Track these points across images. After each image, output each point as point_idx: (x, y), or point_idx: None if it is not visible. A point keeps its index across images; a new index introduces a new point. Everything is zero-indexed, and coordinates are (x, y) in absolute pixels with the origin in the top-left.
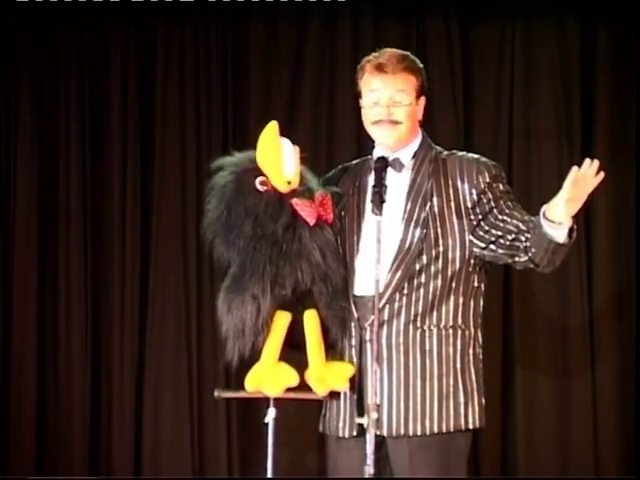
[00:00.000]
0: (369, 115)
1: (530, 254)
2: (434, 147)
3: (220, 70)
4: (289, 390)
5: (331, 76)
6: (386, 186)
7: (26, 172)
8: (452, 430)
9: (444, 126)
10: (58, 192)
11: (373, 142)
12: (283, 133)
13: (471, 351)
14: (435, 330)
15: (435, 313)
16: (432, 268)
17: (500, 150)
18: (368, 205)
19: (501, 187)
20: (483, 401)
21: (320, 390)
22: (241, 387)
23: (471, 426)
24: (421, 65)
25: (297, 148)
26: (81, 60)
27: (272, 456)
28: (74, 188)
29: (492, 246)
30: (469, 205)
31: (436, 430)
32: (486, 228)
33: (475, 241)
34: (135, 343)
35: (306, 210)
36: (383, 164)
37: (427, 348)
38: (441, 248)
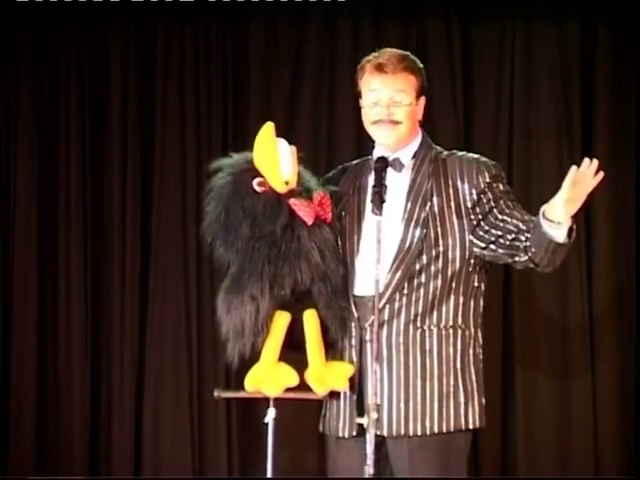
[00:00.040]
0: (369, 115)
1: (530, 254)
2: (434, 147)
3: (220, 70)
4: (289, 390)
5: (331, 76)
6: (386, 186)
7: (26, 172)
8: (452, 430)
9: (444, 126)
10: (58, 192)
11: (373, 142)
12: (283, 133)
13: (471, 351)
14: (435, 330)
15: (435, 313)
16: (432, 268)
17: (500, 150)
18: (368, 205)
19: (501, 187)
20: (483, 401)
21: (320, 390)
22: (241, 387)
23: (471, 426)
24: (421, 65)
25: (294, 148)
26: (81, 60)
27: (272, 456)
28: (74, 188)
29: (492, 246)
30: (469, 205)
31: (436, 430)
32: (486, 228)
33: (475, 241)
34: (135, 343)
35: (304, 210)
36: (383, 164)
37: (427, 348)
38: (441, 248)
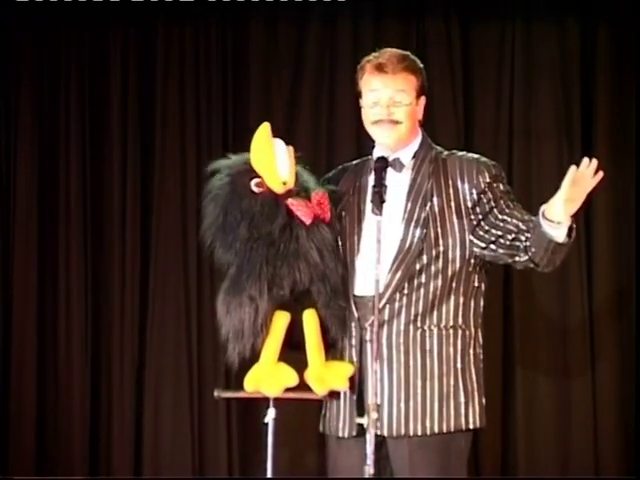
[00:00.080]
0: (369, 115)
1: (530, 254)
2: (434, 147)
3: (220, 70)
4: (289, 390)
5: (331, 76)
6: (386, 186)
7: (26, 172)
8: (452, 430)
9: (444, 126)
10: (58, 192)
11: (373, 142)
12: (283, 133)
13: (471, 351)
14: (435, 330)
15: (435, 313)
16: (432, 268)
17: (500, 150)
18: (368, 205)
19: (501, 187)
20: (483, 401)
21: (320, 390)
22: (241, 387)
23: (471, 426)
24: (421, 65)
25: (291, 148)
26: (81, 60)
27: (272, 456)
28: (74, 188)
29: (492, 246)
30: (469, 205)
31: (436, 430)
32: (486, 228)
33: (475, 241)
34: (135, 343)
35: (302, 210)
36: (383, 164)
37: (427, 348)
38: (441, 248)
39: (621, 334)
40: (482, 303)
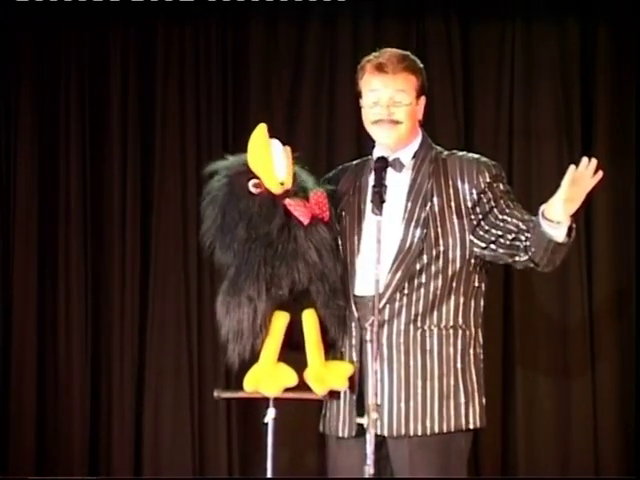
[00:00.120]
0: (369, 115)
1: (530, 253)
2: (434, 147)
3: (220, 70)
4: (288, 390)
5: (331, 76)
6: (386, 186)
7: (26, 172)
8: (452, 430)
9: (444, 126)
10: (58, 192)
11: (373, 142)
12: (283, 133)
13: (472, 351)
14: (436, 330)
15: (436, 313)
16: (432, 268)
17: (500, 150)
18: (368, 205)
19: (501, 187)
20: (484, 401)
21: (319, 389)
22: (241, 387)
23: (472, 426)
24: (421, 65)
25: (288, 148)
26: (81, 60)
27: (272, 456)
28: (74, 188)
29: (492, 246)
30: (469, 205)
31: (437, 430)
32: (486, 228)
33: (475, 241)
34: (135, 343)
35: (299, 210)
36: (383, 164)
37: (427, 348)
38: (441, 248)
39: (621, 334)
40: (482, 303)
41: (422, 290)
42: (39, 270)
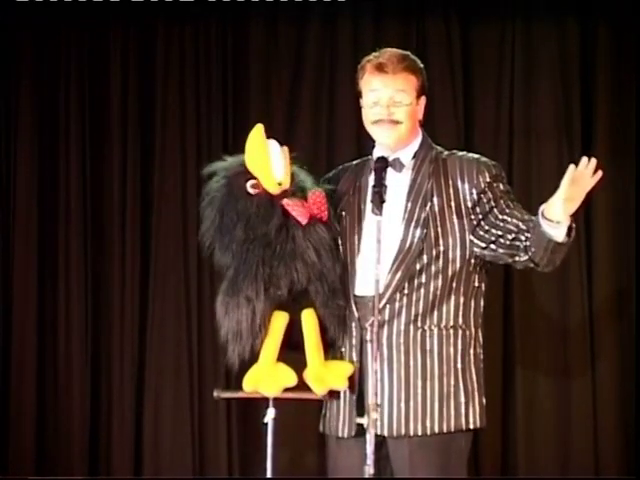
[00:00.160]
0: (369, 115)
1: (530, 253)
2: (434, 147)
3: (220, 70)
4: (288, 390)
5: (331, 76)
6: (386, 186)
7: (26, 172)
8: (453, 430)
9: (444, 126)
10: (58, 192)
11: (373, 142)
12: (283, 133)
13: (472, 351)
14: (436, 330)
15: (436, 313)
16: (432, 268)
17: (500, 150)
18: (368, 205)
19: (501, 187)
20: (484, 401)
21: (319, 389)
22: (241, 387)
23: (472, 426)
24: (421, 65)
25: (286, 149)
26: (81, 60)
27: (272, 456)
28: (74, 188)
29: (492, 246)
30: (469, 205)
31: (437, 430)
32: (486, 228)
33: (475, 241)
34: (135, 343)
35: (297, 210)
36: (383, 164)
37: (428, 348)
38: (441, 248)
39: (621, 334)
40: (482, 303)
41: (422, 290)
42: (39, 270)
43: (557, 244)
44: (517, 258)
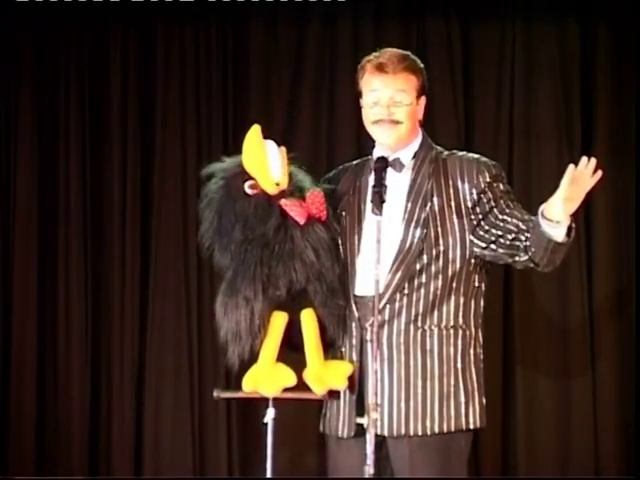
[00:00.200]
0: (369, 115)
1: (530, 253)
2: (434, 147)
3: (220, 70)
4: (287, 390)
5: (331, 76)
6: (386, 186)
7: (26, 172)
8: (453, 430)
9: (444, 126)
10: (58, 192)
11: (373, 142)
12: (283, 133)
13: (472, 351)
14: (436, 330)
15: (436, 313)
16: (432, 268)
17: (500, 150)
18: (368, 205)
19: (501, 187)
20: (484, 401)
21: (318, 389)
22: (241, 387)
23: (472, 426)
24: (422, 65)
25: (283, 149)
26: (81, 60)
27: (272, 456)
28: (74, 188)
29: (492, 246)
30: (469, 205)
31: (437, 430)
32: (486, 228)
33: (475, 241)
34: (135, 343)
35: (295, 210)
36: (383, 164)
37: (428, 348)
38: (441, 248)
39: (621, 334)
40: (482, 303)
41: (422, 290)
42: (39, 270)
43: (557, 244)
44: (517, 258)
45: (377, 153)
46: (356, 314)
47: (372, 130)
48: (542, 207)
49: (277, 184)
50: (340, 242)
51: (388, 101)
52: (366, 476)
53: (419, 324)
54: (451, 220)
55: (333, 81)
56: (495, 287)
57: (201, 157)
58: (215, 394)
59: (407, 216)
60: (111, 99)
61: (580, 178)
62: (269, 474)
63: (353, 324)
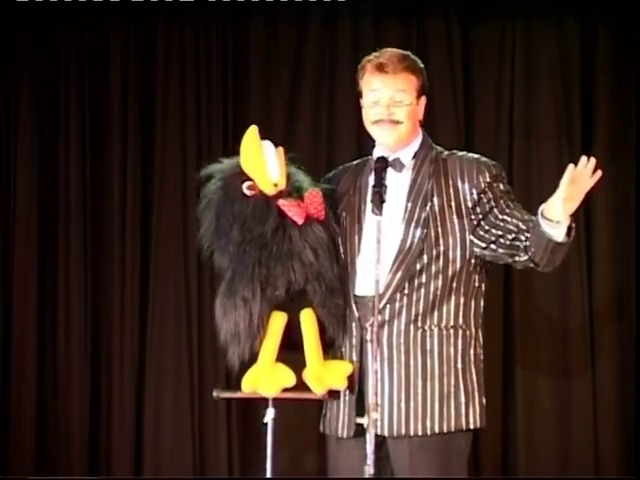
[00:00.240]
0: (369, 115)
1: (530, 253)
2: (434, 147)
3: (220, 70)
4: (287, 390)
5: (331, 76)
6: (386, 186)
7: (26, 172)
8: (453, 430)
9: (444, 126)
10: (58, 192)
11: (373, 142)
12: (283, 133)
13: (472, 351)
14: (436, 330)
15: (436, 313)
16: (433, 268)
17: (500, 150)
18: (368, 205)
19: (501, 187)
20: (484, 401)
21: (318, 389)
22: (241, 387)
23: (472, 426)
24: (422, 65)
25: (281, 149)
26: (81, 60)
27: (271, 456)
28: (74, 188)
29: (492, 246)
30: (469, 205)
31: (437, 430)
32: (486, 228)
33: (475, 241)
34: (135, 343)
35: (293, 210)
36: (383, 164)
37: (428, 348)
38: (442, 248)
39: (621, 334)
40: (482, 303)
41: (422, 290)
42: (39, 270)
43: (557, 244)
44: (517, 258)
45: (377, 153)
46: (356, 314)
47: (372, 130)
48: (542, 207)
49: (275, 185)
50: (340, 242)
51: (388, 101)
52: (366, 476)
53: (419, 324)
54: (451, 220)
55: (333, 81)
56: (495, 287)
57: (201, 157)
58: (215, 394)
59: (407, 216)
60: (111, 99)
61: (580, 178)
62: (269, 474)
63: (353, 324)
